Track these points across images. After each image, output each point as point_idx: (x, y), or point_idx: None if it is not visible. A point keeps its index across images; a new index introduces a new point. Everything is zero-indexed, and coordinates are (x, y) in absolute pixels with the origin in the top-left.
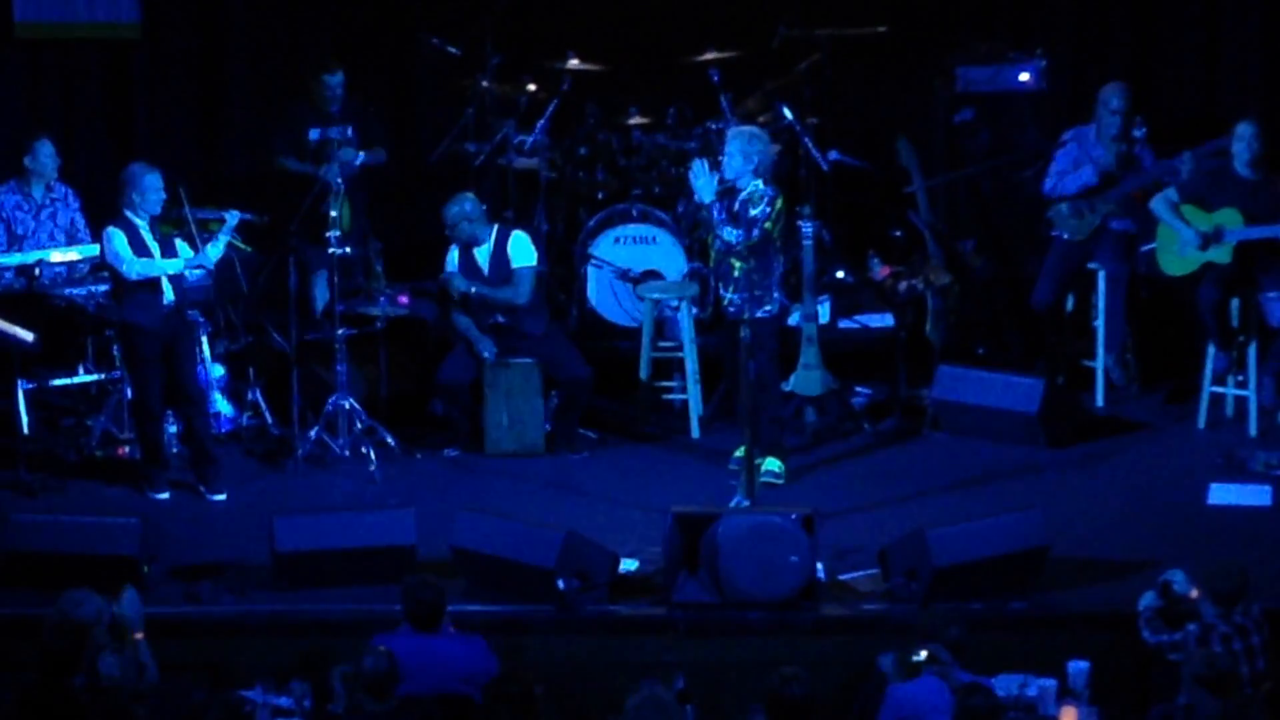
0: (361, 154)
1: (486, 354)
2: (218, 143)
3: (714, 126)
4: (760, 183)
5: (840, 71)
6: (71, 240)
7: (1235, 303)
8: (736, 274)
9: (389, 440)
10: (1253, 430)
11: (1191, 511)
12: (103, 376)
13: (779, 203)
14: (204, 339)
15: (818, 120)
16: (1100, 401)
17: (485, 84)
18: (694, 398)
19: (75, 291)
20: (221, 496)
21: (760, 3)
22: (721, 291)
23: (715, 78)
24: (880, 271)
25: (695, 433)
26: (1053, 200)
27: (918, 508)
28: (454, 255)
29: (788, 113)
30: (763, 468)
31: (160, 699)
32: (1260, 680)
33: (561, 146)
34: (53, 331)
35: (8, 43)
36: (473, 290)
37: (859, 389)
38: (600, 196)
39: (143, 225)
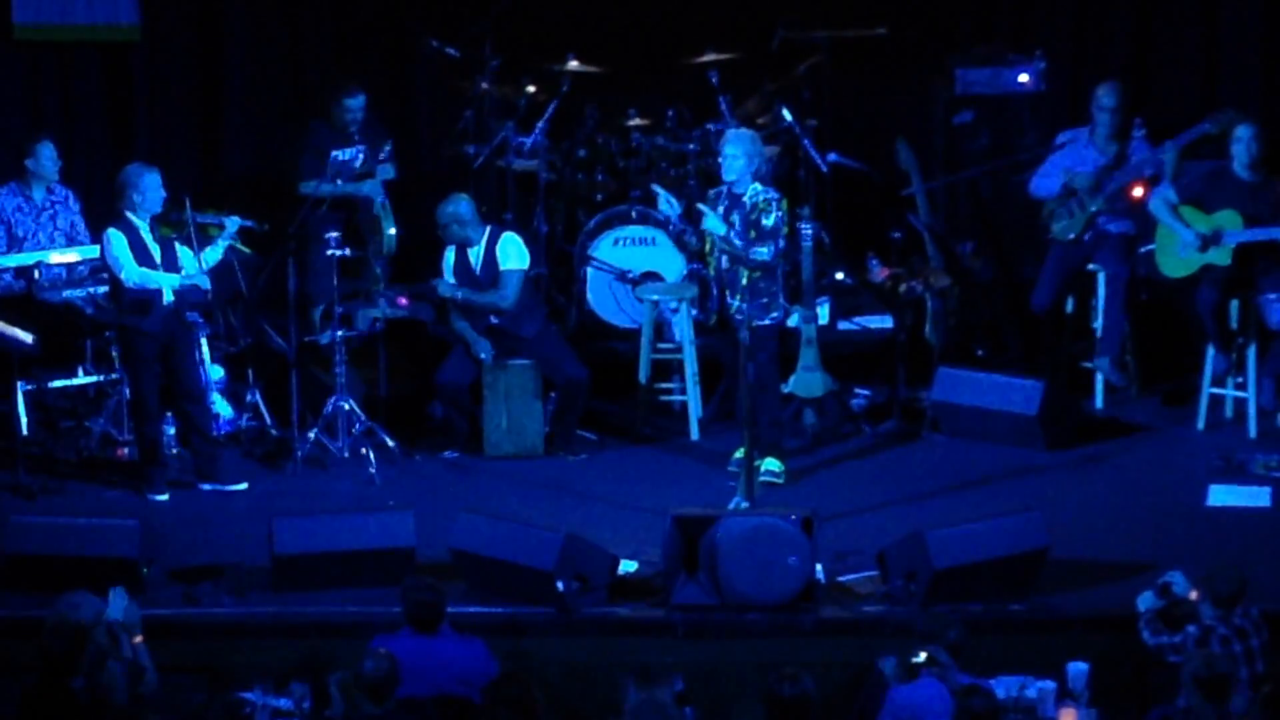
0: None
1: (484, 355)
2: (217, 144)
3: (713, 128)
4: (759, 186)
5: (839, 73)
6: (71, 243)
7: (1234, 304)
8: (745, 282)
9: (388, 442)
10: (1252, 432)
11: (1191, 513)
12: (102, 378)
13: (784, 204)
14: (203, 341)
15: (817, 122)
16: (1100, 403)
17: (484, 86)
18: (693, 399)
19: (74, 293)
20: (243, 485)
21: (759, 4)
22: (729, 299)
23: (714, 79)
24: (879, 273)
25: (694, 434)
26: (1039, 200)
27: (917, 510)
28: (450, 257)
29: (787, 114)
30: (762, 467)
31: (160, 701)
32: (1260, 682)
33: (561, 148)
34: (52, 333)
35: (7, 44)
36: (458, 296)
37: (858, 391)
38: (599, 198)
39: (143, 226)
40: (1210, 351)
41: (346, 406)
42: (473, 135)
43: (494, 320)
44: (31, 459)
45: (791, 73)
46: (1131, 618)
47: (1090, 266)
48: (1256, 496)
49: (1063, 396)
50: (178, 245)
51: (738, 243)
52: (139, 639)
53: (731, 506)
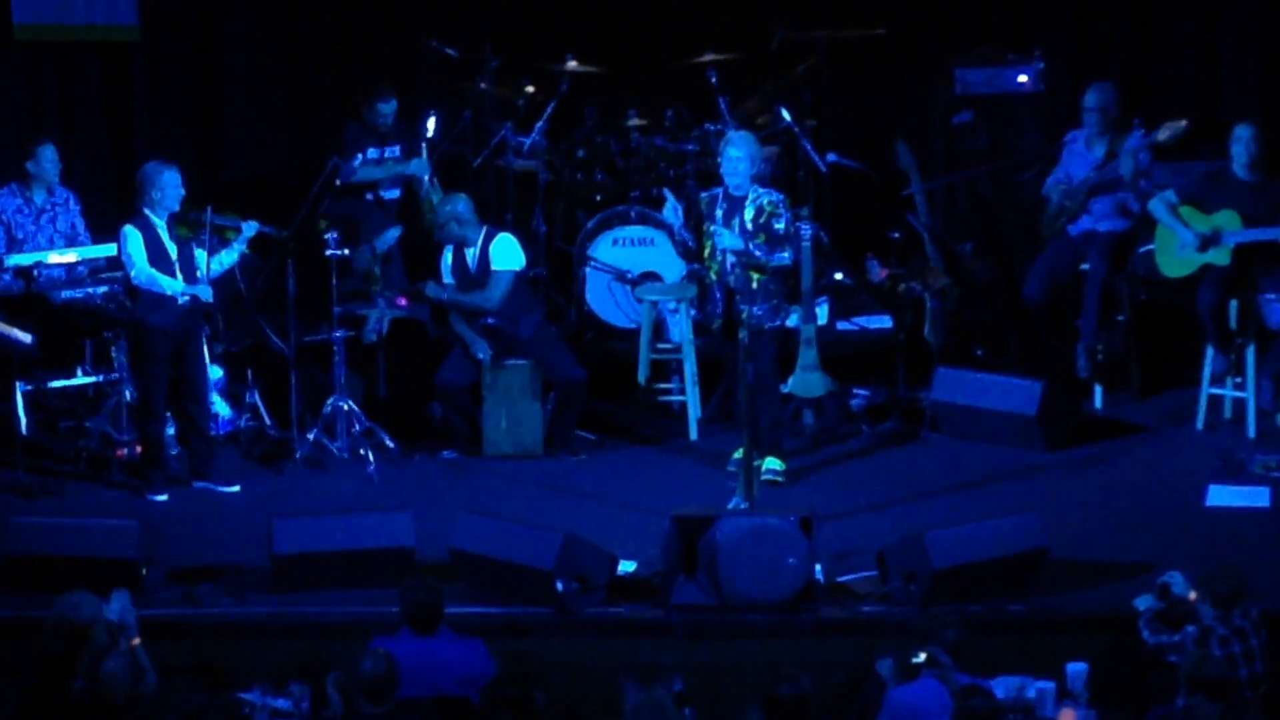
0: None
1: (481, 355)
2: (217, 145)
3: (712, 128)
4: (760, 188)
5: (838, 74)
6: (72, 245)
7: (1234, 305)
8: (755, 286)
9: (387, 442)
10: (1251, 432)
11: (1190, 513)
12: (101, 378)
13: (788, 204)
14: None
15: (816, 122)
16: (1099, 404)
17: (484, 86)
18: (692, 399)
19: (73, 294)
20: (235, 488)
21: (758, 5)
22: (740, 304)
23: (713, 80)
24: (879, 273)
25: (694, 434)
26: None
27: (916, 510)
28: (447, 256)
29: (786, 115)
30: (763, 467)
31: (159, 701)
32: (1259, 683)
33: (560, 148)
34: (51, 334)
35: (7, 45)
36: (444, 297)
37: (857, 391)
38: (598, 198)
39: (161, 225)
40: (1209, 351)
41: (346, 407)
42: (472, 135)
43: (491, 321)
44: (31, 459)
45: (791, 73)
46: (1131, 618)
47: (1084, 265)
48: (1256, 497)
49: (1062, 397)
50: (195, 249)
51: (759, 254)
52: (136, 640)
53: (731, 507)
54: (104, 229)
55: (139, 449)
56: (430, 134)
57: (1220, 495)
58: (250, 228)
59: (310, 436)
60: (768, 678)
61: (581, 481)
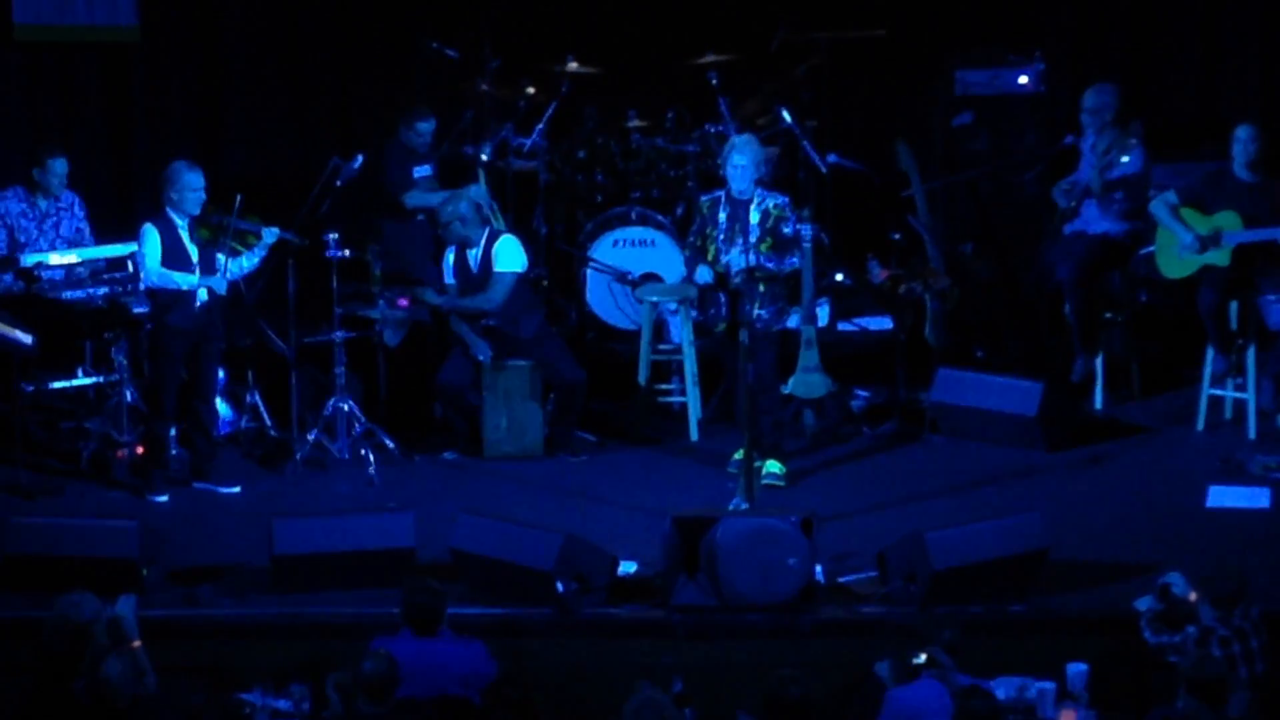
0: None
1: (481, 356)
2: (216, 145)
3: (713, 129)
4: (764, 191)
5: (839, 74)
6: (75, 249)
7: (1234, 305)
8: (763, 289)
9: (388, 443)
10: (1251, 433)
11: (1190, 514)
12: (101, 379)
13: (793, 207)
14: None
15: (816, 123)
16: (1099, 404)
17: (484, 87)
18: (693, 400)
19: (74, 294)
20: (236, 489)
21: (759, 6)
22: (747, 308)
23: (714, 81)
24: (879, 274)
25: (694, 435)
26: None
27: (917, 510)
28: (449, 257)
29: (786, 116)
30: (764, 470)
31: (159, 702)
32: (1259, 683)
33: (560, 149)
34: (51, 334)
35: (7, 45)
36: (442, 304)
37: (858, 392)
38: (599, 199)
39: (182, 225)
40: (1210, 352)
41: (346, 408)
42: (472, 136)
43: (492, 321)
44: (31, 460)
45: (791, 74)
46: (1131, 618)
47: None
48: (1256, 497)
49: (1062, 397)
50: (215, 249)
51: (769, 265)
52: (137, 643)
53: (731, 507)
54: (103, 229)
55: (140, 449)
56: (486, 157)
57: (1220, 496)
58: (271, 234)
59: (311, 437)
60: (767, 678)
61: (582, 482)
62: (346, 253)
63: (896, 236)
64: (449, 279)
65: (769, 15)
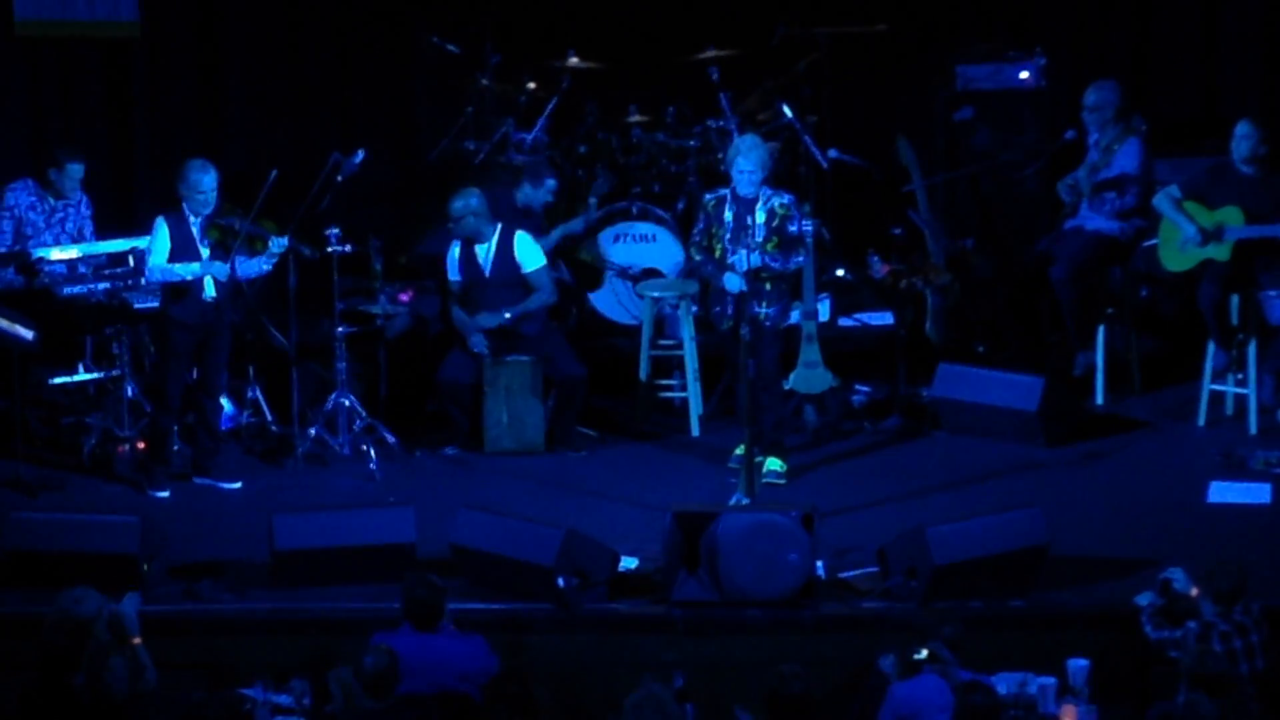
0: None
1: (478, 349)
2: (217, 142)
3: (714, 125)
4: (770, 190)
5: (840, 70)
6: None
7: (1235, 300)
8: (769, 288)
9: (389, 438)
10: (1252, 428)
11: (1191, 510)
12: (102, 375)
13: (798, 205)
14: None
15: (817, 118)
16: (1100, 400)
17: (485, 82)
18: (694, 396)
19: (75, 289)
20: (237, 484)
21: (760, 1)
22: (754, 306)
23: (715, 76)
24: (880, 270)
25: (695, 431)
26: None
27: (917, 506)
28: (455, 252)
29: (787, 111)
30: (765, 468)
31: (160, 698)
32: (1260, 678)
33: (561, 145)
34: (53, 330)
35: (8, 41)
36: (506, 317)
37: (859, 387)
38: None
39: (195, 223)
40: (1211, 347)
41: (347, 403)
42: (473, 131)
43: (507, 317)
44: (32, 455)
45: (792, 69)
46: (1132, 614)
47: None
48: (1257, 493)
49: (1063, 393)
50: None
51: (775, 265)
52: (137, 640)
53: (732, 503)
54: (103, 224)
55: (141, 444)
56: (604, 189)
57: (1221, 491)
58: (279, 244)
59: (312, 433)
60: (768, 674)
61: (583, 478)
62: (348, 248)
63: (897, 232)
64: (454, 275)
65: (770, 10)
